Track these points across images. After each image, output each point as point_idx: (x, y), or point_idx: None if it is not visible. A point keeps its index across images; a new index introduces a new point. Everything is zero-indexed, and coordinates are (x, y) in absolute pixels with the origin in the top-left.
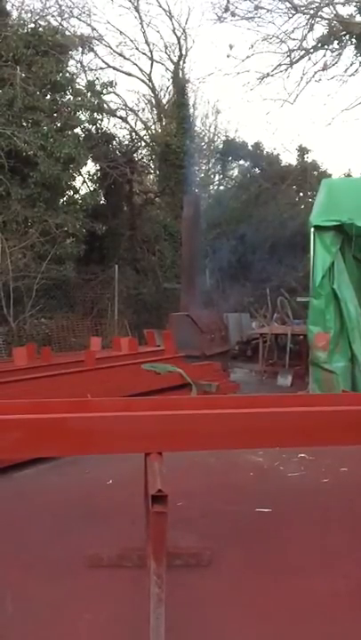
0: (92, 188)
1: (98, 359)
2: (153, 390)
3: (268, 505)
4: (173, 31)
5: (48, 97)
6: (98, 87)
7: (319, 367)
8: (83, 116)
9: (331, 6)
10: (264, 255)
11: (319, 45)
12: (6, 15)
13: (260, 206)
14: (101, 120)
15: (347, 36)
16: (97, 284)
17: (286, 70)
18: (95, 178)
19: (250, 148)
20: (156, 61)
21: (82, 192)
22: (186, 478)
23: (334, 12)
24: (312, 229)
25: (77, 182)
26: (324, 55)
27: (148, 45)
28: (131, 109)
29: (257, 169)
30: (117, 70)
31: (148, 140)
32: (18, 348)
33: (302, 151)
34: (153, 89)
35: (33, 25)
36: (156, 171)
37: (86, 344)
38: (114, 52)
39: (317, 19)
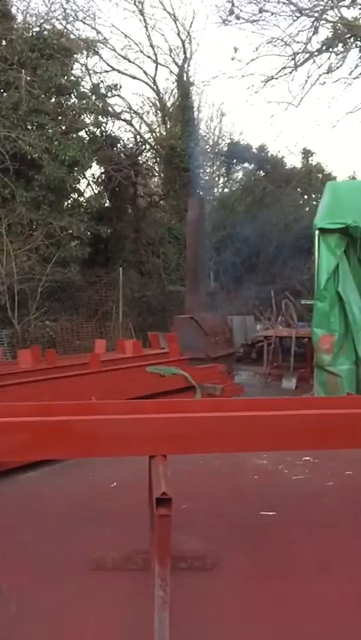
0: (96, 191)
1: (102, 362)
2: (157, 393)
3: (273, 508)
4: (178, 34)
5: (53, 100)
6: (102, 90)
7: (324, 370)
8: (87, 118)
9: (335, 9)
10: (269, 258)
11: (324, 48)
12: (11, 19)
13: (264, 209)
14: (106, 123)
15: (351, 39)
16: (101, 286)
17: (291, 73)
18: (100, 181)
19: (254, 150)
20: (161, 64)
21: (86, 195)
22: (190, 481)
23: (339, 15)
24: (317, 232)
25: (82, 185)
26: (329, 58)
27: (153, 48)
28: (135, 112)
29: (261, 171)
30: (122, 73)
31: (153, 143)
32: (22, 350)
33: (307, 154)
34: (157, 92)
35: (38, 28)
36: (160, 173)
37: (91, 346)
38: (118, 55)
39: (322, 21)
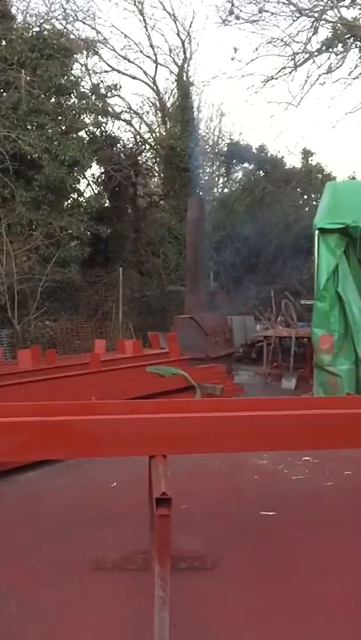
0: (96, 191)
1: (102, 362)
2: (157, 393)
3: (273, 508)
4: (178, 34)
5: (53, 100)
6: (102, 90)
7: (324, 370)
8: (87, 119)
9: (335, 9)
10: (268, 258)
11: (323, 48)
12: (11, 19)
13: (264, 209)
14: (106, 123)
15: (351, 39)
16: (101, 286)
17: (291, 73)
18: (100, 181)
19: (254, 150)
20: (161, 64)
21: (86, 195)
22: (190, 481)
23: (339, 15)
24: (316, 232)
25: (82, 185)
26: (329, 58)
27: (153, 48)
28: (135, 112)
29: (261, 172)
30: (122, 73)
31: (153, 143)
32: (22, 350)
33: (307, 154)
34: (157, 92)
35: (38, 28)
36: (160, 173)
37: (91, 346)
38: (118, 55)
39: (322, 22)
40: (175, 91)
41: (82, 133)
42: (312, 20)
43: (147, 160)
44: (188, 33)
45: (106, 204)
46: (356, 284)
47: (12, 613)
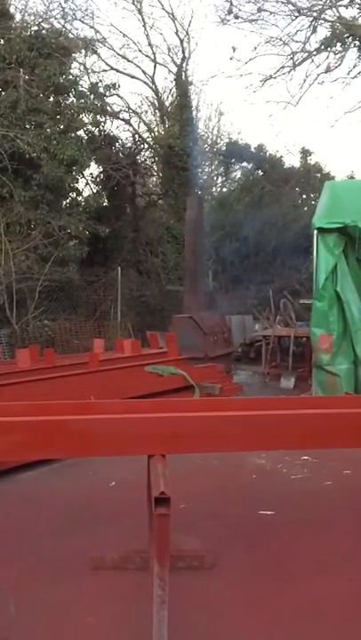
0: (95, 191)
1: (101, 361)
2: (156, 392)
3: (271, 507)
4: (176, 33)
5: (51, 99)
6: (101, 89)
7: (322, 369)
8: (86, 118)
9: (334, 9)
10: (267, 257)
11: (322, 48)
12: (10, 18)
13: (263, 208)
14: (104, 122)
15: (350, 39)
16: (100, 286)
17: (289, 72)
18: (98, 180)
19: (253, 150)
20: (159, 64)
21: (85, 194)
22: (189, 481)
23: (337, 15)
24: (315, 231)
25: (80, 184)
26: (327, 57)
27: (152, 48)
28: (134, 112)
29: (260, 171)
30: (120, 72)
31: (151, 143)
32: (21, 349)
33: (305, 153)
34: (156, 91)
35: (36, 27)
36: (159, 173)
37: (89, 346)
38: (117, 54)
39: (320, 21)
40: (174, 90)
41: (80, 132)
42: (311, 19)
43: (145, 159)
44: (187, 32)
45: (104, 204)
46: (354, 283)
47: (12, 613)
